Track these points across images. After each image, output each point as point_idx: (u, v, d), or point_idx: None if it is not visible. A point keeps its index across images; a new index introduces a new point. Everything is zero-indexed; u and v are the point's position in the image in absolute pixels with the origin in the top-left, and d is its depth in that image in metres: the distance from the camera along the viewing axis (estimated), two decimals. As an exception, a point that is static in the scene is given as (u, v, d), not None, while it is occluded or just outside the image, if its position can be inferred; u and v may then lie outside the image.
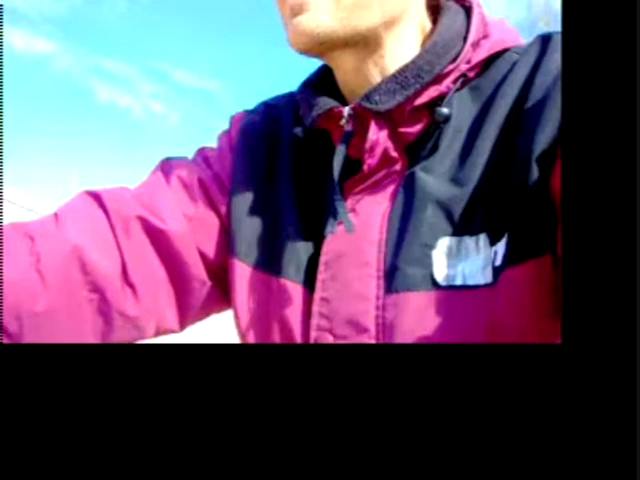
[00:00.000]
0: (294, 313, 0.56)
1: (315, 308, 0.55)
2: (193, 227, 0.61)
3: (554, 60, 0.51)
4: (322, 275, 0.55)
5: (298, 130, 0.60)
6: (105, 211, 0.60)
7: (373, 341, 0.51)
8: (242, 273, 0.60)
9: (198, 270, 0.62)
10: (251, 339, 0.60)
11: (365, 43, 0.54)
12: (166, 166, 0.65)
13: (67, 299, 0.56)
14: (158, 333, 0.64)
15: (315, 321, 0.55)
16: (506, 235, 0.47)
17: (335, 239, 0.55)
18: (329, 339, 0.53)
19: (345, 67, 0.56)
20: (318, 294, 0.55)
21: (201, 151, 0.67)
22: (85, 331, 0.58)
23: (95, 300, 0.57)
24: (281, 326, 0.57)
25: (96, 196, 0.61)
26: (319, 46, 0.53)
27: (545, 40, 0.54)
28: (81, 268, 0.57)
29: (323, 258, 0.55)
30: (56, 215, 0.59)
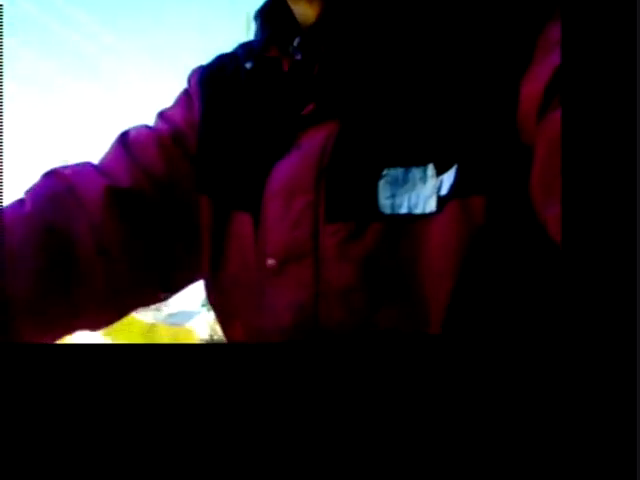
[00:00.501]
0: (246, 243, 0.57)
1: (260, 237, 0.56)
2: (159, 183, 0.61)
3: None
4: (266, 204, 0.56)
5: (248, 63, 0.60)
6: (71, 187, 0.59)
7: (312, 268, 0.52)
8: (208, 211, 0.61)
9: (172, 227, 0.62)
10: (214, 281, 0.61)
11: None
12: (124, 135, 0.64)
13: (49, 281, 0.56)
14: (145, 303, 0.65)
15: (261, 249, 0.55)
16: (456, 166, 0.47)
17: (280, 168, 0.56)
18: (274, 265, 0.54)
19: (310, 12, 0.55)
20: (262, 222, 0.56)
21: (160, 113, 0.67)
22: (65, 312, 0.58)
23: (73, 277, 0.57)
24: (238, 256, 0.58)
25: (60, 174, 0.60)
26: None
27: None
28: (57, 248, 0.56)
29: (268, 187, 0.56)
30: (22, 200, 0.59)
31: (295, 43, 0.55)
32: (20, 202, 0.59)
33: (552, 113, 0.41)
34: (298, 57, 0.55)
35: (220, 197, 0.60)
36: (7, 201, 0.58)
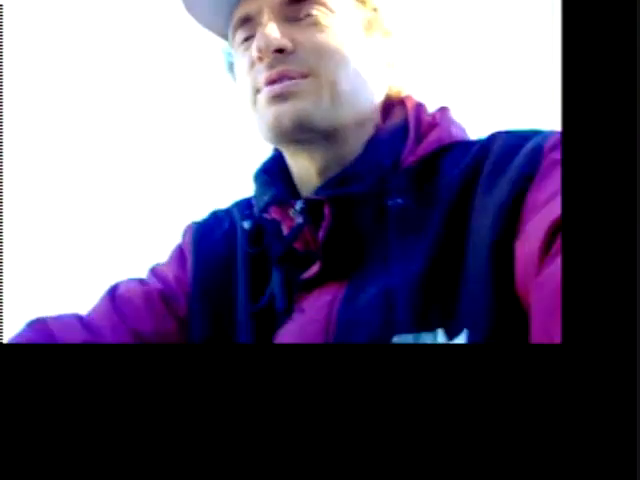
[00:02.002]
0: None
1: None
2: (144, 342, 0.60)
3: (498, 146, 0.52)
4: None
5: (246, 223, 0.61)
6: (53, 339, 0.58)
7: None
8: None
9: None
10: None
11: (335, 138, 0.56)
12: (114, 290, 0.65)
13: None
14: None
15: None
16: (465, 331, 0.46)
17: (284, 334, 0.55)
18: None
19: (307, 160, 0.58)
20: None
21: (152, 269, 0.68)
22: None
23: None
24: None
25: (44, 325, 0.60)
26: (300, 134, 0.54)
27: (490, 137, 0.56)
28: None
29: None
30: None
31: (297, 207, 0.56)
32: None
33: (549, 267, 0.40)
34: (300, 221, 0.56)
35: None
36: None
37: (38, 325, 0.60)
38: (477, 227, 0.49)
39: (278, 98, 0.54)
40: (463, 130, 0.61)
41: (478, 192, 0.50)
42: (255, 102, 0.57)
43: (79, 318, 0.62)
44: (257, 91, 0.56)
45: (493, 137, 0.55)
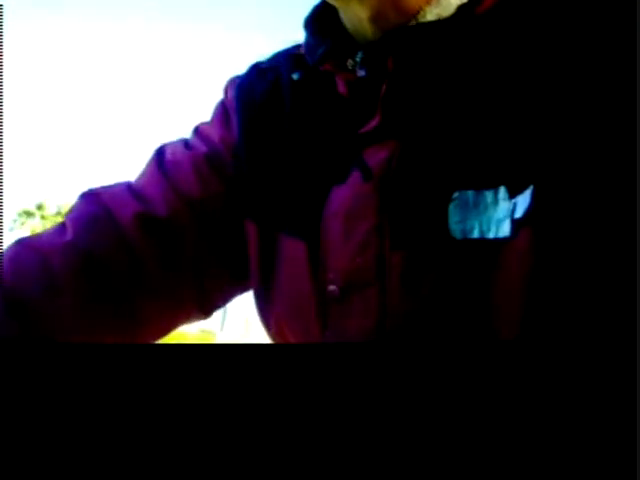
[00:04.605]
0: (299, 268, 0.55)
1: (320, 263, 0.53)
2: (196, 209, 0.60)
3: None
4: (325, 229, 0.53)
5: (295, 74, 0.57)
6: (109, 212, 0.59)
7: (377, 297, 0.49)
8: (255, 236, 0.59)
9: (210, 251, 0.61)
10: (266, 303, 0.59)
11: None
12: (161, 154, 0.64)
13: (87, 308, 0.56)
14: (183, 323, 0.64)
15: (322, 275, 0.53)
16: (531, 187, 0.44)
17: (340, 190, 0.53)
18: (336, 292, 0.51)
19: (356, 4, 0.52)
20: (322, 249, 0.53)
21: (196, 129, 0.65)
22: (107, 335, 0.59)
23: (114, 304, 0.58)
24: (292, 282, 0.56)
25: (97, 197, 0.61)
26: None
27: None
28: (97, 274, 0.57)
29: (327, 210, 0.53)
30: (63, 226, 0.60)
31: (357, 58, 0.52)
32: (61, 228, 0.60)
33: None
34: (362, 74, 0.52)
35: (267, 221, 0.58)
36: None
37: (91, 197, 0.61)
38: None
39: None
40: None
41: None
42: None
43: (129, 188, 0.62)
44: None
45: None
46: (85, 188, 0.63)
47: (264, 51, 0.67)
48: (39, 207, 28.21)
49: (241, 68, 0.66)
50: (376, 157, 0.51)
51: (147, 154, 0.65)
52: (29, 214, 27.95)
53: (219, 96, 0.67)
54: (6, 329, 0.53)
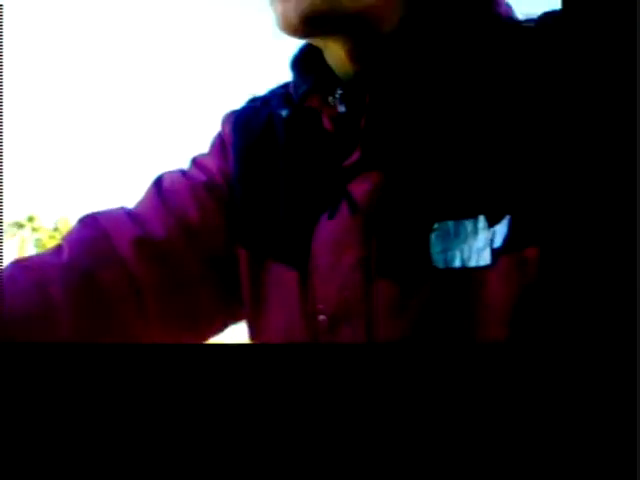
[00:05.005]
0: (290, 297, 0.56)
1: (309, 293, 0.54)
2: (194, 235, 0.61)
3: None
4: (314, 260, 0.55)
5: (284, 111, 0.59)
6: (107, 235, 0.60)
7: (364, 327, 0.50)
8: (245, 262, 0.60)
9: (205, 276, 0.61)
10: (257, 329, 0.60)
11: (358, 27, 0.52)
12: (159, 183, 0.65)
13: (83, 328, 0.56)
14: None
15: (310, 305, 0.54)
16: (508, 217, 0.46)
17: (327, 222, 0.54)
18: (325, 323, 0.53)
19: (336, 47, 0.54)
20: (311, 279, 0.54)
21: (194, 160, 0.67)
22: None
23: (110, 327, 0.58)
24: (283, 310, 0.57)
25: (95, 221, 0.61)
26: (310, 29, 0.51)
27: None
28: (93, 295, 0.57)
29: (315, 242, 0.55)
30: (60, 247, 0.60)
31: (337, 95, 0.54)
32: (58, 250, 0.60)
33: None
34: (342, 109, 0.54)
35: (258, 249, 0.60)
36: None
37: (89, 221, 0.61)
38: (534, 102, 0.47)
39: None
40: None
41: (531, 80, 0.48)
42: None
43: (128, 213, 0.62)
44: None
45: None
46: (81, 203, 0.64)
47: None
48: (30, 219, 27.99)
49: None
50: (359, 190, 0.53)
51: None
52: (20, 225, 27.74)
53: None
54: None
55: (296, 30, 0.51)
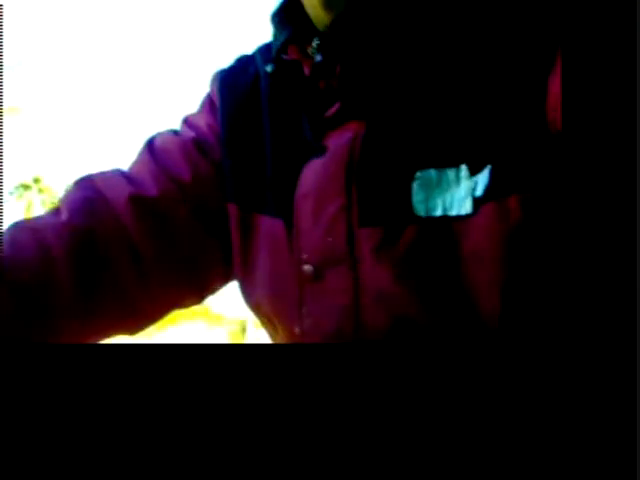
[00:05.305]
0: (278, 248, 0.58)
1: (294, 243, 0.56)
2: (186, 190, 0.62)
3: None
4: (297, 209, 0.56)
5: (269, 67, 0.60)
6: (102, 196, 0.61)
7: (349, 273, 0.51)
8: (235, 217, 0.62)
9: (198, 231, 0.63)
10: (248, 283, 0.62)
11: None
12: (151, 143, 0.66)
13: (82, 284, 0.58)
14: (180, 306, 0.66)
15: (296, 255, 0.55)
16: (489, 167, 0.47)
17: (309, 172, 0.55)
18: (310, 271, 0.54)
19: (311, 1, 0.54)
20: (296, 228, 0.56)
21: (185, 119, 0.68)
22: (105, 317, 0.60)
23: (110, 284, 0.59)
24: (271, 262, 0.59)
25: (91, 182, 0.63)
26: None
27: None
28: (92, 251, 0.58)
29: (298, 192, 0.56)
30: (58, 209, 0.61)
31: (314, 44, 0.55)
32: (56, 212, 0.61)
33: None
34: (318, 59, 0.55)
35: (247, 203, 0.61)
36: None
37: (85, 182, 0.63)
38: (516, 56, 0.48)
39: None
40: None
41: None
42: None
43: (122, 173, 0.64)
44: None
45: None
46: (81, 164, 0.64)
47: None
48: (36, 180, 28.27)
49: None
50: (340, 139, 0.53)
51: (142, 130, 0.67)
52: (26, 187, 28.03)
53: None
54: (5, 307, 0.54)
55: None
